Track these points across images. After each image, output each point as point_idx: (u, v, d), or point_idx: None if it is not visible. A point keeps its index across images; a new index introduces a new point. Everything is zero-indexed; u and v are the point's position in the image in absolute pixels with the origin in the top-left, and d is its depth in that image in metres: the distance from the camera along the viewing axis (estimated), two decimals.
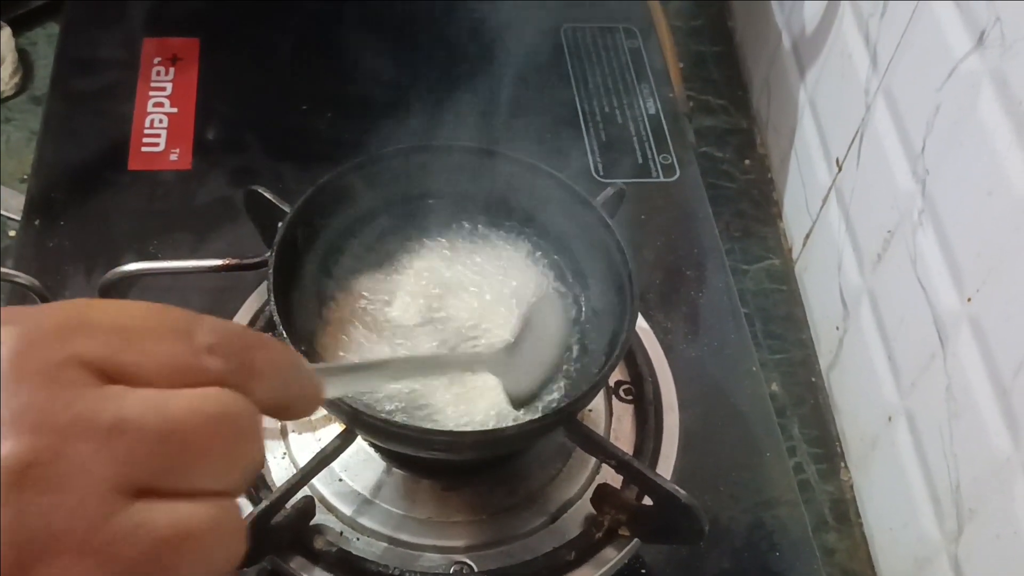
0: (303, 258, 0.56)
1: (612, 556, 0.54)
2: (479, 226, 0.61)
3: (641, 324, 0.64)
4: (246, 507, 0.50)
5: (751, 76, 1.09)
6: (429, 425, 0.51)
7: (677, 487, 0.49)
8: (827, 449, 0.83)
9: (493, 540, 0.55)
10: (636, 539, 0.54)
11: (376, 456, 0.57)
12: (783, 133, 0.99)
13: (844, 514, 0.80)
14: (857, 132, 0.82)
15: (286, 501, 0.50)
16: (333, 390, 0.35)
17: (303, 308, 0.56)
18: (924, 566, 0.69)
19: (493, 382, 0.49)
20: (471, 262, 0.60)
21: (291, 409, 0.31)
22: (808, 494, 0.80)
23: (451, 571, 0.53)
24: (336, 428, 0.53)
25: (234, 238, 0.70)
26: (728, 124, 1.06)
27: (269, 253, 0.52)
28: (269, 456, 0.57)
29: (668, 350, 0.64)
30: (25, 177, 0.97)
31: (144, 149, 0.76)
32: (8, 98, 1.07)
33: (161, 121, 0.78)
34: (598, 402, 0.61)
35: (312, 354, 0.54)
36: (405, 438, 0.49)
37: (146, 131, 0.77)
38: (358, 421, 0.49)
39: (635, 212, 0.76)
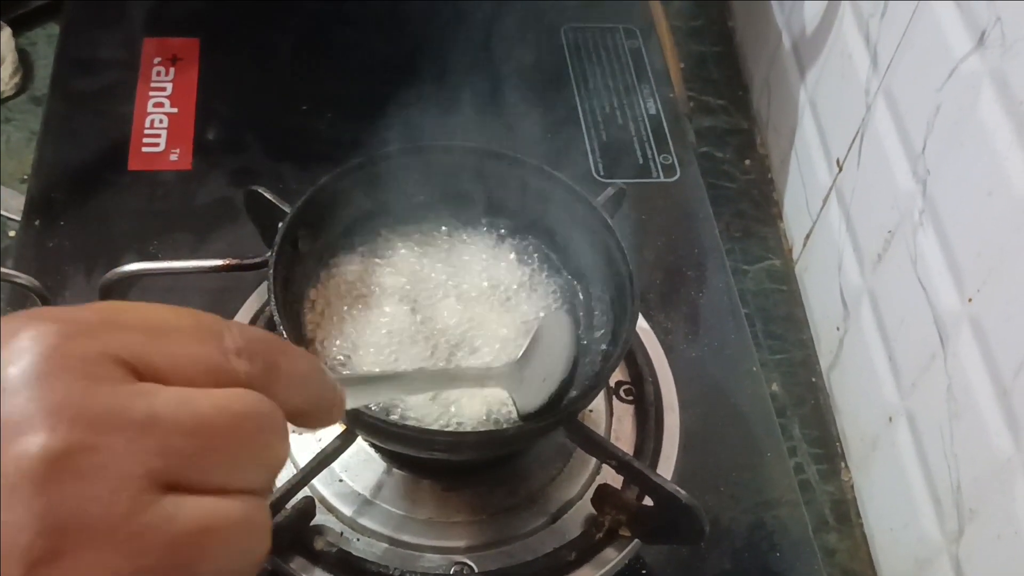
0: (303, 258, 0.56)
1: (613, 556, 0.54)
2: (479, 227, 0.61)
3: (641, 324, 0.64)
4: None
5: (751, 76, 1.09)
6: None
7: (678, 487, 0.49)
8: (828, 449, 0.83)
9: (493, 540, 0.55)
10: (637, 539, 0.54)
11: (376, 456, 0.57)
12: (783, 133, 0.99)
13: (845, 514, 0.80)
14: (857, 132, 0.82)
15: (286, 501, 0.50)
16: (352, 401, 0.35)
17: (303, 308, 0.56)
18: (925, 566, 0.69)
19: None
20: (471, 263, 0.60)
21: (312, 416, 0.31)
22: (809, 494, 0.80)
23: (451, 571, 0.53)
24: (336, 428, 0.53)
25: (234, 238, 0.70)
26: (728, 124, 1.06)
27: (269, 253, 0.52)
28: None
29: (668, 350, 0.64)
30: (25, 177, 0.97)
31: (144, 149, 0.76)
32: (8, 98, 1.07)
33: (161, 121, 0.78)
34: (598, 402, 0.61)
35: (312, 354, 0.53)
36: (405, 438, 0.49)
37: (146, 131, 0.77)
38: (358, 421, 0.48)
39: (635, 212, 0.76)
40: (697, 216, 0.77)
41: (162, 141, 0.77)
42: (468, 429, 0.52)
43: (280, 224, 0.54)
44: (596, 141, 0.81)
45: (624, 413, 0.61)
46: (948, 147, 0.68)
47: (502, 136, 0.74)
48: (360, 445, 0.57)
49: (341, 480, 0.56)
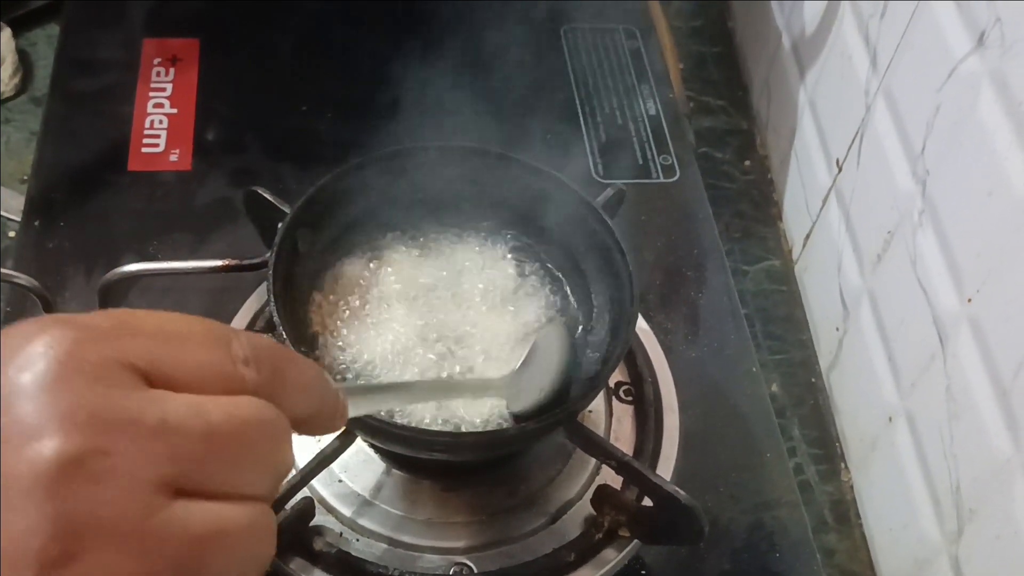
0: (303, 258, 0.56)
1: (612, 557, 0.54)
2: (478, 227, 0.61)
3: (641, 325, 0.64)
4: None
5: (751, 77, 1.09)
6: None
7: (677, 488, 0.49)
8: (827, 450, 0.83)
9: (493, 541, 0.55)
10: (636, 540, 0.54)
11: (376, 457, 0.57)
12: (783, 134, 0.99)
13: (844, 515, 0.80)
14: (857, 133, 0.82)
15: (285, 502, 0.50)
16: (354, 410, 0.36)
17: (302, 309, 0.56)
18: (924, 567, 0.69)
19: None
20: (470, 263, 0.60)
21: (316, 423, 0.32)
22: (808, 495, 0.80)
23: (451, 572, 0.53)
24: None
25: (234, 239, 0.70)
26: (728, 125, 1.06)
27: (269, 254, 0.52)
28: None
29: (668, 351, 0.64)
30: (25, 178, 0.97)
31: (144, 150, 0.76)
32: (8, 99, 1.07)
33: (161, 122, 0.78)
34: (598, 403, 0.61)
35: (312, 355, 0.54)
36: (405, 439, 0.49)
37: (146, 132, 0.77)
38: (358, 422, 0.48)
39: (635, 213, 0.76)
40: (697, 217, 0.77)
41: (162, 142, 0.77)
42: (467, 430, 0.52)
43: (280, 224, 0.54)
44: (595, 141, 0.81)
45: (624, 414, 0.61)
46: (948, 147, 0.68)
47: (501, 136, 0.74)
48: (359, 446, 0.57)
49: (340, 481, 0.56)
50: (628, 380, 0.62)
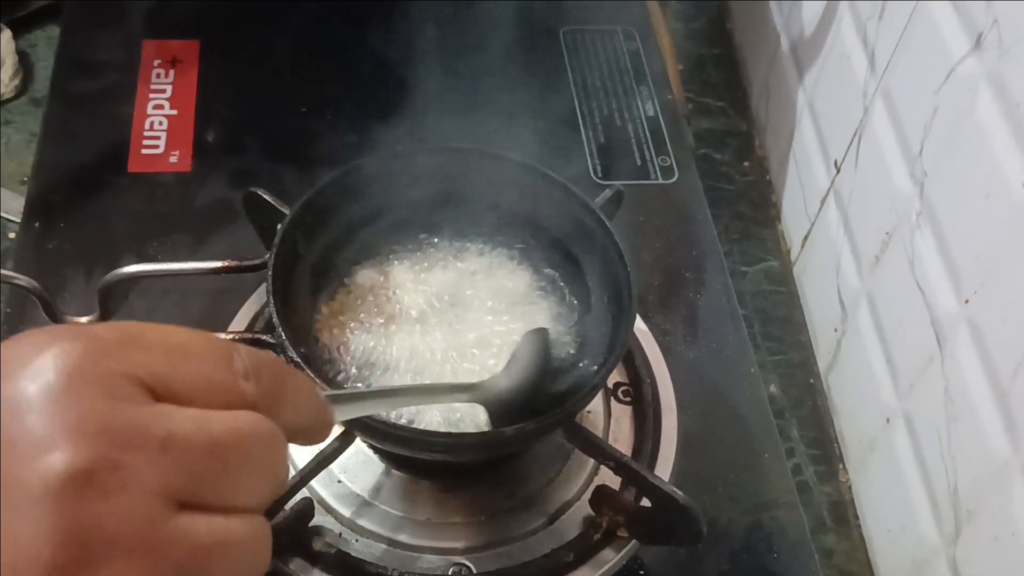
0: (302, 260, 0.56)
1: (610, 557, 0.54)
2: (477, 228, 0.61)
3: (640, 326, 0.64)
4: None
5: (750, 78, 1.09)
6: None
7: (675, 488, 0.49)
8: (825, 451, 0.83)
9: (492, 541, 0.55)
10: (634, 540, 0.54)
11: (375, 458, 0.57)
12: (782, 135, 0.99)
13: (842, 516, 0.80)
14: (855, 134, 0.83)
15: (285, 503, 0.50)
16: (340, 415, 0.37)
17: (302, 310, 0.56)
18: (922, 568, 0.69)
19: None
20: (469, 264, 0.60)
21: (307, 434, 0.33)
22: (806, 496, 0.80)
23: (450, 572, 0.53)
24: (335, 430, 0.53)
25: (233, 240, 0.70)
26: (727, 126, 1.06)
27: (268, 255, 0.52)
28: None
29: (667, 352, 0.64)
30: (25, 179, 0.97)
31: (144, 151, 0.76)
32: (8, 100, 1.08)
33: (161, 123, 0.78)
34: (597, 404, 0.61)
35: (311, 356, 0.54)
36: (404, 440, 0.49)
37: (146, 133, 0.77)
38: (357, 423, 0.49)
39: (634, 214, 0.76)
40: (695, 218, 0.78)
41: (162, 143, 0.77)
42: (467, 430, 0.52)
43: (279, 226, 0.54)
44: (594, 143, 0.81)
45: (622, 414, 0.61)
46: (946, 149, 0.68)
47: (500, 138, 0.74)
48: (359, 446, 0.57)
49: (340, 481, 0.56)
50: (627, 381, 0.62)
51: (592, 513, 0.56)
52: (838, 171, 0.86)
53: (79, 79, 0.81)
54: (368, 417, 0.47)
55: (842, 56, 0.86)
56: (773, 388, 0.86)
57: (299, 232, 0.55)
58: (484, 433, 0.51)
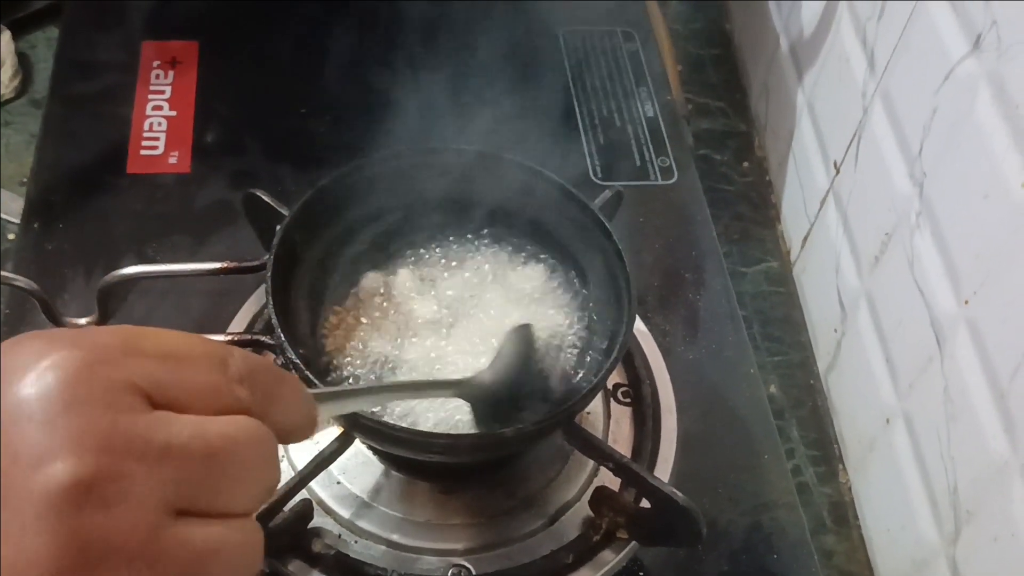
0: (301, 261, 0.56)
1: (610, 558, 0.54)
2: (476, 229, 0.61)
3: (639, 327, 0.64)
4: None
5: (749, 79, 1.09)
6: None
7: (675, 490, 0.49)
8: (825, 451, 0.83)
9: (491, 543, 0.55)
10: (634, 542, 0.54)
11: (374, 459, 0.57)
12: (781, 136, 0.99)
13: (842, 516, 0.80)
14: (855, 135, 0.83)
15: (284, 504, 0.50)
16: (325, 413, 0.38)
17: (301, 311, 0.56)
18: (922, 568, 0.69)
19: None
20: (468, 265, 0.60)
21: (295, 435, 0.34)
22: (806, 496, 0.80)
23: (449, 574, 0.53)
24: (334, 431, 0.53)
25: (232, 241, 0.70)
26: (726, 127, 1.06)
27: (267, 256, 0.52)
28: None
29: (666, 353, 0.64)
30: (24, 180, 0.97)
31: (143, 152, 0.76)
32: (8, 101, 1.08)
33: (160, 124, 0.78)
34: (596, 405, 0.61)
35: (310, 357, 0.54)
36: (403, 441, 0.49)
37: (145, 134, 0.77)
38: (356, 424, 0.49)
39: (633, 215, 0.76)
40: (695, 219, 0.77)
41: (161, 144, 0.77)
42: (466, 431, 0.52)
43: (278, 227, 0.54)
44: (594, 144, 0.81)
45: (622, 415, 0.61)
46: (945, 149, 0.68)
47: (499, 139, 0.74)
48: (358, 447, 0.57)
49: (339, 482, 0.56)
50: (626, 382, 0.62)
51: (592, 514, 0.56)
52: (837, 171, 0.86)
53: (78, 80, 0.81)
54: (367, 418, 0.47)
55: (841, 57, 0.86)
56: (773, 389, 0.86)
57: (298, 233, 0.55)
58: (483, 434, 0.51)
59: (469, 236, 0.61)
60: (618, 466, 0.51)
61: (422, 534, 0.55)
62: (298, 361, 0.48)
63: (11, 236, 0.95)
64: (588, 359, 0.56)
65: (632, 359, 0.62)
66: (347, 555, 0.53)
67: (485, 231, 0.61)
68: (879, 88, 0.78)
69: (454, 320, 0.57)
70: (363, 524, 0.55)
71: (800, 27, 0.95)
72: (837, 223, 0.85)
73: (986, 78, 0.63)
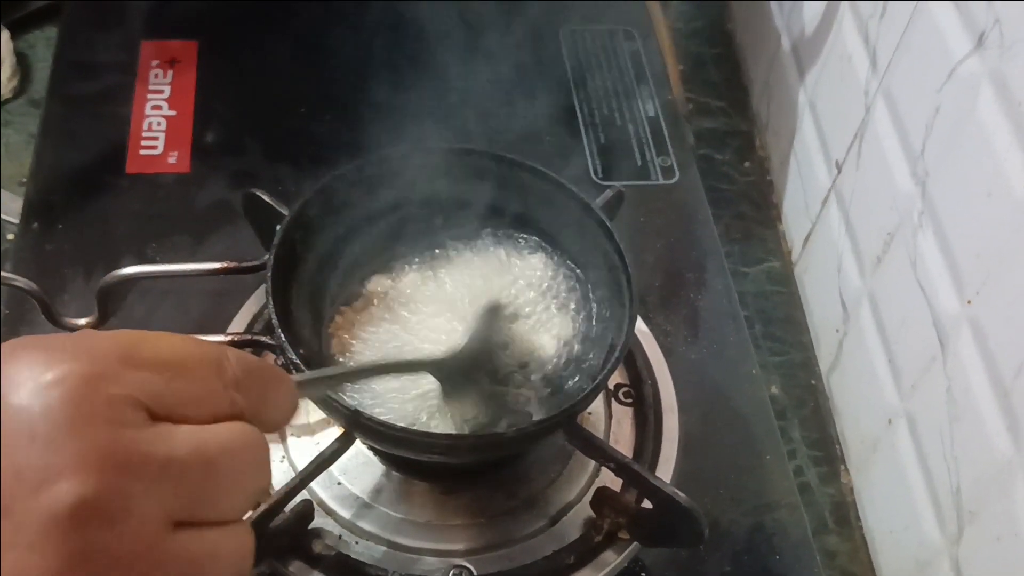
0: (301, 261, 0.56)
1: (612, 559, 0.54)
2: (476, 229, 0.61)
3: (641, 327, 0.64)
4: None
5: (751, 78, 1.09)
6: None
7: (676, 490, 0.49)
8: (827, 452, 0.83)
9: (492, 543, 0.55)
10: (636, 542, 0.54)
11: (375, 459, 0.57)
12: (783, 135, 0.99)
13: (844, 517, 0.80)
14: (857, 134, 0.82)
15: (284, 505, 0.50)
16: (305, 395, 0.39)
17: (301, 311, 0.56)
18: (925, 569, 0.69)
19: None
20: (468, 265, 0.60)
21: (277, 428, 0.35)
22: (808, 497, 0.80)
23: (450, 574, 0.53)
24: (334, 431, 0.53)
25: (232, 241, 0.70)
26: (728, 126, 1.06)
27: (267, 256, 0.52)
28: None
29: (668, 353, 0.64)
30: (24, 180, 0.97)
31: (142, 152, 0.76)
32: (7, 101, 1.07)
33: (159, 124, 0.78)
34: (597, 405, 0.61)
35: (310, 357, 0.53)
36: (404, 441, 0.49)
37: (144, 134, 0.77)
38: (357, 424, 0.48)
39: (634, 215, 0.76)
40: (696, 218, 0.77)
41: (160, 144, 0.77)
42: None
43: (278, 227, 0.54)
44: (595, 143, 0.81)
45: (623, 415, 0.61)
46: (947, 148, 0.68)
47: (500, 138, 0.74)
48: (358, 448, 0.56)
49: (340, 483, 0.56)
50: (627, 382, 0.62)
51: (593, 515, 0.55)
52: (839, 171, 0.86)
53: (77, 80, 0.81)
54: (368, 418, 0.47)
55: (843, 56, 0.85)
56: (774, 389, 0.86)
57: (299, 233, 0.55)
58: (483, 435, 0.51)
59: (468, 235, 0.61)
60: (619, 466, 0.51)
61: (423, 535, 0.55)
62: (298, 361, 0.47)
63: (10, 236, 0.95)
64: (589, 359, 0.56)
65: (633, 359, 0.62)
66: (348, 556, 0.53)
67: (484, 230, 0.61)
68: (881, 87, 0.78)
69: (458, 320, 0.57)
70: (364, 525, 0.55)
71: (802, 26, 0.95)
72: (839, 223, 0.85)
73: (989, 77, 0.63)
